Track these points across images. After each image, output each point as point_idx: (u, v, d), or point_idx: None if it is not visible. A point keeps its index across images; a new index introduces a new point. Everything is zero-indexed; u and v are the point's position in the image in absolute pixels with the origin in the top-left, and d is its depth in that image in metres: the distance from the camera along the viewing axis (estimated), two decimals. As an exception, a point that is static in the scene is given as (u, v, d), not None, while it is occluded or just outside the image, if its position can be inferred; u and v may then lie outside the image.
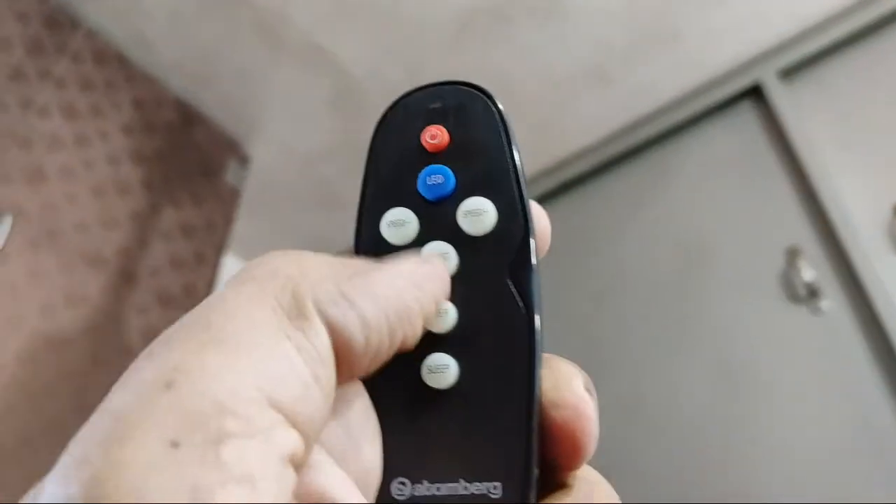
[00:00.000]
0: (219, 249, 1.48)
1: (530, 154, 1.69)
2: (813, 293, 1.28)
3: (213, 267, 1.45)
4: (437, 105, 0.26)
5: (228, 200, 1.55)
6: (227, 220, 1.53)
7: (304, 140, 1.66)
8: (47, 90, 1.37)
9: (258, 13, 1.44)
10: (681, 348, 1.39)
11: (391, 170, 0.25)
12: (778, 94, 1.46)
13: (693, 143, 1.57)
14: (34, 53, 1.38)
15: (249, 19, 1.46)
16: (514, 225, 0.23)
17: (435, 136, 0.25)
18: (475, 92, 0.26)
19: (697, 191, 1.51)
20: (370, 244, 0.24)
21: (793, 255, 1.32)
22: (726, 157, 1.51)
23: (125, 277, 1.28)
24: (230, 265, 1.63)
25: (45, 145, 1.32)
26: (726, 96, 1.51)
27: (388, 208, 0.24)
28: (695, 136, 1.57)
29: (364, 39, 1.48)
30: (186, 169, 1.51)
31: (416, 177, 0.25)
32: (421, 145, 0.25)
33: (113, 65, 1.49)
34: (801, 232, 1.35)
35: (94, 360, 1.15)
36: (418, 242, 0.24)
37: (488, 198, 0.24)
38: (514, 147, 0.25)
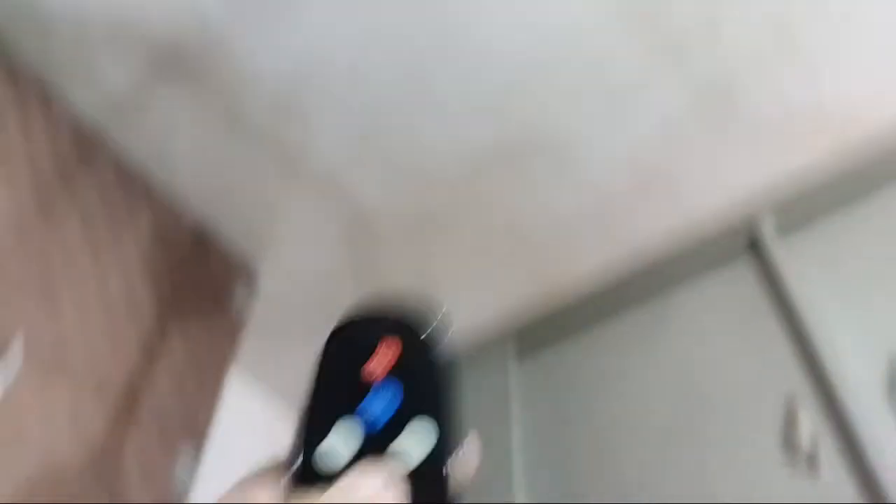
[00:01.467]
0: (222, 373, 1.49)
1: (528, 300, 1.73)
2: (809, 449, 1.28)
3: (215, 393, 1.45)
4: (380, 332, 0.28)
5: (236, 324, 1.58)
6: (233, 344, 1.55)
7: (314, 266, 1.70)
8: (66, 201, 1.41)
9: (280, 143, 1.51)
10: (676, 499, 1.38)
11: (331, 395, 0.26)
12: (776, 248, 1.51)
13: (691, 293, 1.60)
14: (59, 167, 1.42)
15: (271, 149, 1.52)
16: (438, 464, 0.24)
17: (374, 369, 0.26)
18: (420, 322, 0.28)
19: (695, 342, 1.54)
20: (302, 471, 0.25)
21: (790, 409, 1.33)
22: (724, 308, 1.54)
23: (129, 401, 1.28)
24: (235, 386, 1.63)
25: (61, 259, 1.34)
26: (724, 249, 1.56)
27: (323, 436, 0.25)
28: (693, 287, 1.61)
29: (380, 175, 1.55)
30: (197, 290, 1.54)
31: (354, 405, 0.26)
32: (361, 374, 0.26)
33: (134, 182, 1.53)
34: (798, 385, 1.36)
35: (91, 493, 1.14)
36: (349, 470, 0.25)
37: (420, 430, 0.25)
38: (452, 383, 0.27)
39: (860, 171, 1.46)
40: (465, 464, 0.25)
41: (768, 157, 1.46)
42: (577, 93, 1.38)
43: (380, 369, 0.27)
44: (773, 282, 1.50)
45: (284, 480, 0.25)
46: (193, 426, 1.35)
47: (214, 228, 1.65)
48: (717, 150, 1.44)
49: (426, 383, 0.26)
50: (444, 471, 0.24)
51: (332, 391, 0.27)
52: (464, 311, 1.72)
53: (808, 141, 1.43)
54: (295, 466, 0.25)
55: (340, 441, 0.25)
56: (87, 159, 1.46)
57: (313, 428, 0.26)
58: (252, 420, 1.78)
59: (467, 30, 1.32)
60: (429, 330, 0.28)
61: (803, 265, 1.48)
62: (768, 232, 1.52)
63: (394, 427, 0.25)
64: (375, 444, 0.25)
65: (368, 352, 0.27)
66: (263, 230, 1.66)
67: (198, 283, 1.55)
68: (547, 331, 1.71)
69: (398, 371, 0.26)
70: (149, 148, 1.54)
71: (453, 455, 0.25)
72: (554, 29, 1.31)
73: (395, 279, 1.68)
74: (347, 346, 0.28)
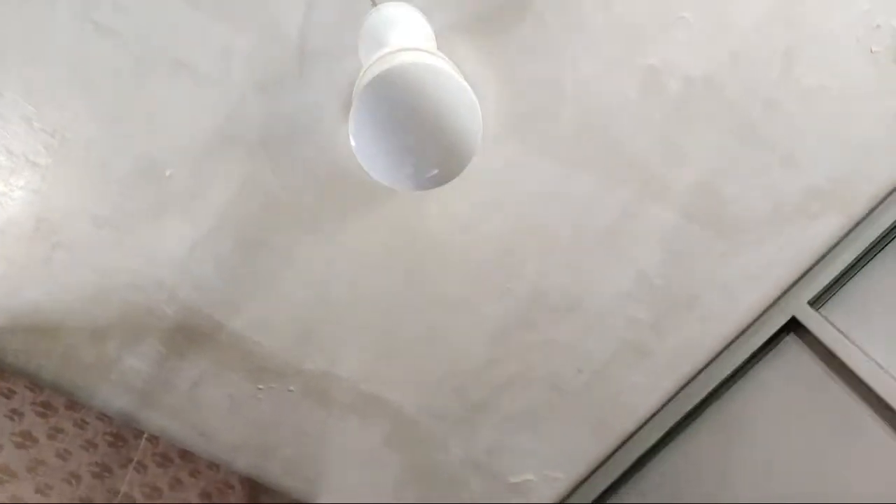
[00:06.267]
0: None
1: (596, 445, 1.68)
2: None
3: None
4: None
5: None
6: None
7: (369, 482, 1.66)
8: (105, 497, 1.40)
9: (306, 379, 1.51)
10: None
11: None
12: (815, 322, 1.47)
13: (751, 387, 1.55)
14: (100, 477, 1.42)
15: (300, 386, 1.52)
16: None
17: None
18: None
19: (771, 432, 1.47)
20: None
21: None
22: (788, 389, 1.49)
23: None
24: None
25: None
26: (767, 336, 1.52)
27: None
28: (750, 381, 1.56)
29: (408, 377, 1.54)
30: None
31: None
32: None
33: (176, 462, 1.53)
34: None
35: None
36: None
37: None
38: None
39: (869, 227, 1.43)
40: None
41: (771, 247, 1.44)
42: (570, 244, 1.39)
43: None
44: (825, 352, 1.45)
45: None
46: None
47: (266, 476, 1.64)
48: (723, 255, 1.43)
49: None
50: None
51: None
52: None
53: (805, 220, 1.42)
54: None
55: None
56: (126, 461, 1.46)
57: None
58: None
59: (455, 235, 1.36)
60: None
61: (848, 329, 1.44)
62: (803, 310, 1.48)
63: None
64: None
65: None
66: (315, 463, 1.64)
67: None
68: (622, 463, 1.65)
69: None
70: (184, 424, 1.55)
71: None
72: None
73: (452, 470, 1.64)
74: None
